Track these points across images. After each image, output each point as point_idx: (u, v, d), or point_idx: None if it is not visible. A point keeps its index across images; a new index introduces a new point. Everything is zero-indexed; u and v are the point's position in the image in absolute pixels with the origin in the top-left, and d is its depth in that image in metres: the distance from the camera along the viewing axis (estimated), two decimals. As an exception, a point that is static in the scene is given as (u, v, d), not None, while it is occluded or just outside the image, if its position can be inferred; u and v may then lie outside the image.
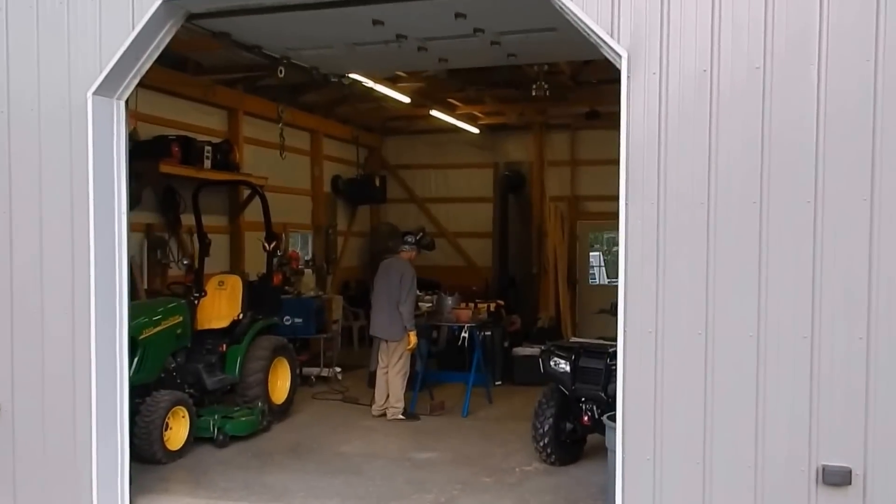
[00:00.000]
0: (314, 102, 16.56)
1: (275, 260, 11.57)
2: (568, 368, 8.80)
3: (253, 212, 14.75)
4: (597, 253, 19.48)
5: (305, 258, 16.92)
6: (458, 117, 16.94)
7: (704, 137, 6.16)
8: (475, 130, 18.04)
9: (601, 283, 19.19)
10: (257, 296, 11.20)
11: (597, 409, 8.73)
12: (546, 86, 13.71)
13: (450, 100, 16.24)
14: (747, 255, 5.99)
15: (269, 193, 15.00)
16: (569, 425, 9.07)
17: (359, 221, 19.12)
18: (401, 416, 11.15)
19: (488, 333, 13.07)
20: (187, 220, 12.98)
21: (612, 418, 7.28)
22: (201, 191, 11.45)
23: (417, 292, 13.62)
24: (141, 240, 12.49)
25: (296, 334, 13.34)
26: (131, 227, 12.76)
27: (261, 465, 9.00)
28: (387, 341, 11.27)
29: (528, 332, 15.51)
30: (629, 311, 6.32)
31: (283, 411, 10.92)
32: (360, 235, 19.25)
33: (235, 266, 14.26)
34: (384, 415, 11.24)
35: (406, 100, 14.58)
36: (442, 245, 19.22)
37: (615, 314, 9.76)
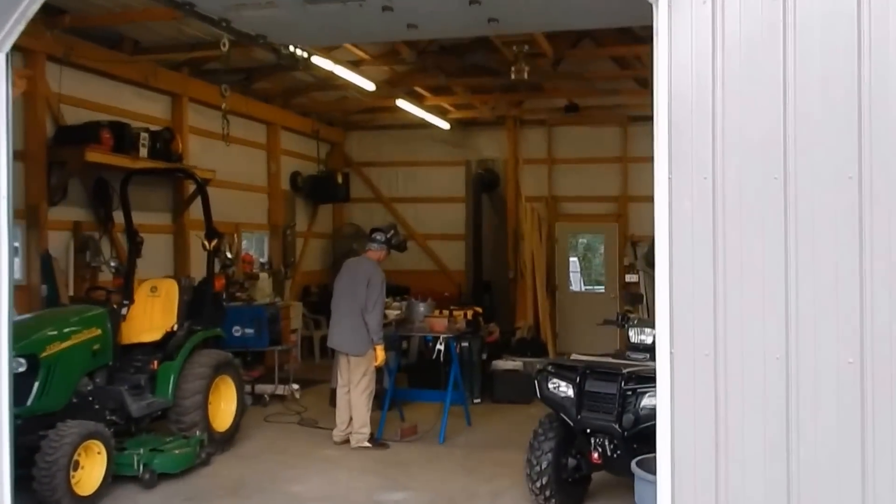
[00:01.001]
0: (270, 91, 14.69)
1: (217, 261, 9.62)
2: (571, 393, 6.98)
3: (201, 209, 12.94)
4: (574, 258, 17.73)
5: (261, 261, 15.01)
6: (428, 110, 15.13)
7: (777, 86, 4.41)
8: (445, 125, 16.25)
9: (580, 289, 17.44)
10: (197, 303, 9.30)
11: (609, 443, 6.91)
12: (527, 68, 12.01)
13: (418, 89, 14.43)
14: (845, 247, 4.25)
15: (220, 190, 13.19)
16: (571, 461, 7.25)
17: (320, 222, 17.19)
18: (367, 444, 9.30)
19: (465, 345, 11.24)
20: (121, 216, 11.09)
21: (644, 465, 5.51)
22: (132, 181, 9.51)
23: (385, 298, 11.85)
24: (67, 239, 10.53)
25: (247, 347, 11.46)
26: (56, 225, 11.22)
27: (193, 513, 7.13)
28: (348, 356, 9.42)
29: (508, 342, 13.71)
30: (677, 328, 4.52)
31: (227, 440, 9.01)
32: (322, 237, 17.32)
33: (180, 270, 12.33)
34: (347, 441, 9.39)
35: (371, 86, 12.73)
36: (411, 248, 17.35)
37: (624, 326, 8.07)
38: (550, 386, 7.15)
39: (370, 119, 17.17)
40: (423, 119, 15.63)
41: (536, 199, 16.74)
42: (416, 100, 14.62)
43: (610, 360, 7.32)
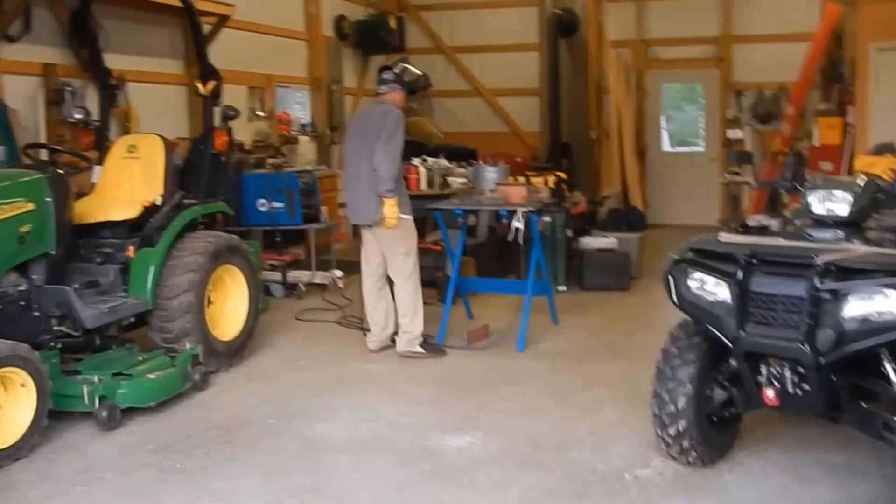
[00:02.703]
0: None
1: (216, 110, 6.81)
2: (728, 297, 4.15)
3: (229, 56, 10.20)
4: (667, 114, 14.58)
5: (301, 122, 12.23)
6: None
7: None
8: (517, -49, 13.03)
9: (675, 150, 14.36)
10: (193, 169, 6.63)
11: (793, 374, 4.12)
12: None
13: None
14: None
15: (245, 34, 10.44)
16: (720, 392, 4.52)
17: (371, 76, 14.22)
18: (418, 349, 6.71)
19: (548, 219, 8.38)
20: (116, 62, 8.39)
21: None
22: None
23: (442, 161, 9.09)
24: (34, 87, 7.87)
25: (276, 224, 8.85)
26: (17, 68, 7.58)
27: (156, 476, 4.59)
28: (374, 231, 6.72)
29: (595, 214, 10.86)
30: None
31: (234, 353, 6.45)
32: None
33: (195, 132, 9.65)
34: (388, 347, 6.82)
35: None
36: (477, 106, 14.48)
37: (796, 190, 5.12)
38: (692, 285, 4.34)
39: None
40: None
41: (623, 43, 13.57)
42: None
43: (782, 241, 4.43)
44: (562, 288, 8.95)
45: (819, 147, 9.79)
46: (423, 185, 8.77)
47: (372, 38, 13.13)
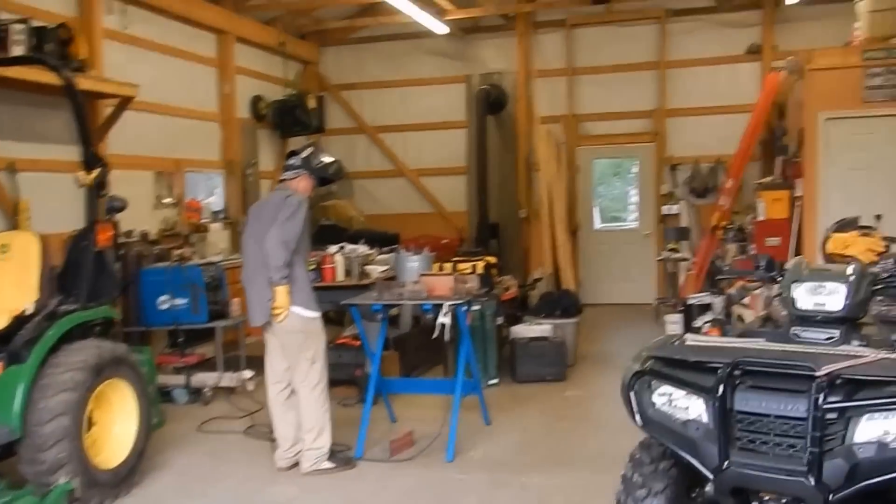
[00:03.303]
0: (217, -12, 11.12)
1: (102, 200, 6.04)
2: (705, 416, 3.44)
3: (135, 140, 9.57)
4: (598, 188, 14.24)
5: (213, 209, 11.51)
6: (421, 6, 11.51)
7: None
8: (443, 29, 12.66)
9: (608, 226, 13.95)
10: (73, 268, 5.87)
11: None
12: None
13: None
14: None
15: (154, 116, 9.80)
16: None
17: (291, 158, 13.64)
18: (326, 464, 5.96)
19: (478, 307, 7.75)
20: (6, 149, 7.69)
21: None
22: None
23: (361, 248, 8.49)
24: None
25: (179, 323, 8.06)
26: None
27: None
28: (275, 331, 5.99)
29: (526, 299, 10.31)
30: None
31: (119, 481, 5.61)
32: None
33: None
34: (296, 465, 6.05)
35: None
36: (401, 187, 13.96)
37: (775, 280, 4.28)
38: (659, 401, 3.63)
39: (349, 28, 13.64)
40: (413, 23, 12.15)
41: (554, 118, 13.24)
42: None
43: (768, 345, 3.74)
44: (493, 381, 8.31)
45: (765, 221, 9.40)
46: (341, 276, 8.10)
47: (290, 119, 12.57)
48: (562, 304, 9.17)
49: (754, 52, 12.74)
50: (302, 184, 6.09)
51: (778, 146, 11.53)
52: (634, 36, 13.15)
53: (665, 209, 12.91)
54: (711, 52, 12.86)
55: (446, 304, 6.25)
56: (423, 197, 13.92)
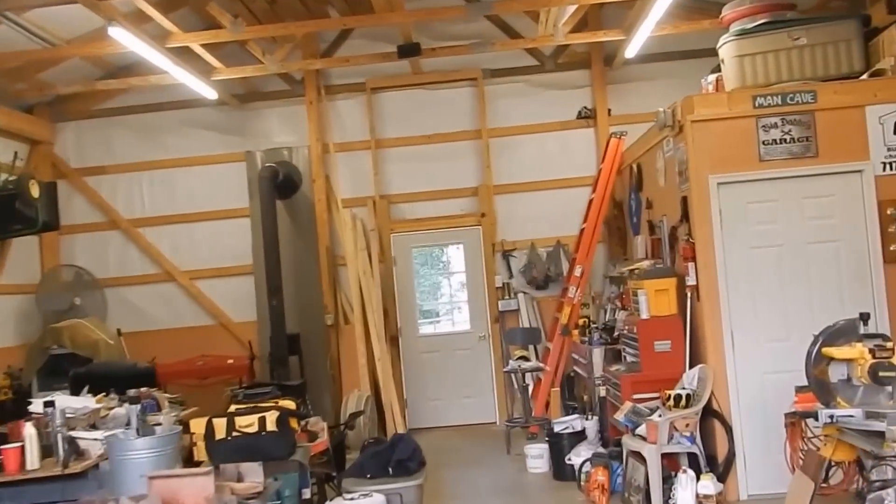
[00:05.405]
0: None
1: None
2: None
3: None
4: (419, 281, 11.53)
5: None
6: (182, 65, 8.61)
7: None
8: (212, 94, 9.80)
9: (436, 331, 11.26)
10: None
11: None
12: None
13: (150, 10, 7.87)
14: None
15: None
16: None
17: (15, 265, 10.09)
18: None
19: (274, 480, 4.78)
20: None
21: None
22: None
23: (85, 401, 5.45)
24: None
25: None
26: None
27: None
28: None
29: (343, 445, 7.43)
30: None
31: None
32: (19, 291, 10.16)
33: None
34: None
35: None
36: (170, 295, 10.84)
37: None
38: None
39: (91, 96, 10.56)
40: (175, 89, 9.48)
41: (360, 201, 10.62)
42: (158, 39, 8.10)
43: None
44: None
45: (649, 320, 7.03)
46: (33, 462, 4.81)
47: (6, 215, 9.16)
48: (396, 455, 6.32)
49: (586, 116, 10.72)
50: None
51: (633, 223, 9.45)
52: (449, 100, 10.84)
53: (502, 305, 10.45)
54: (539, 118, 10.74)
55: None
56: (200, 306, 10.77)
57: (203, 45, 8.83)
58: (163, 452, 4.01)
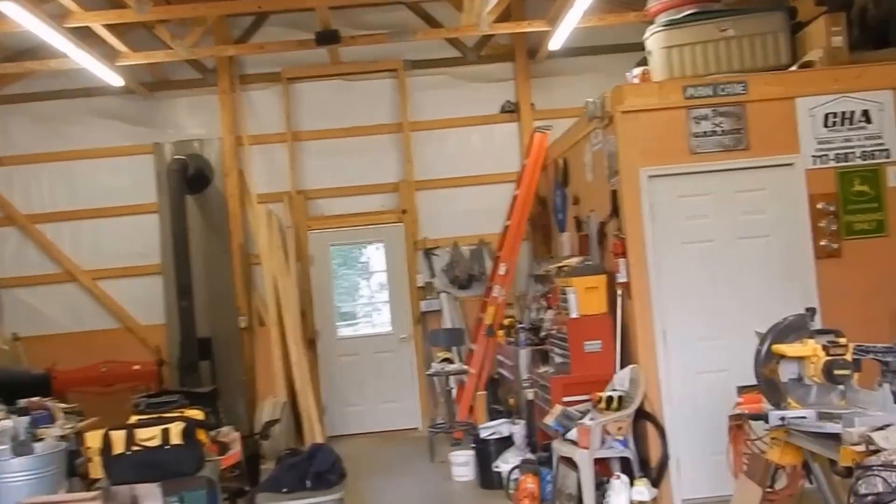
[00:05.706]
0: None
1: None
2: None
3: None
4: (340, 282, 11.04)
5: None
6: (84, 47, 7.97)
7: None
8: (117, 81, 9.17)
9: (356, 333, 10.81)
10: None
11: None
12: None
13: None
14: None
15: None
16: None
17: None
18: None
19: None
20: None
21: None
22: None
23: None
24: None
25: None
26: None
27: None
28: None
29: (257, 457, 6.96)
30: None
31: None
32: None
33: None
34: None
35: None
36: (72, 296, 10.18)
37: None
38: None
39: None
40: (77, 74, 8.83)
41: (276, 196, 10.13)
42: (57, 19, 7.46)
43: None
44: None
45: (578, 319, 6.74)
46: None
47: None
48: (314, 467, 5.87)
49: (510, 110, 10.43)
50: None
51: (559, 220, 9.21)
52: (369, 92, 10.43)
53: (424, 305, 10.09)
54: (462, 112, 10.42)
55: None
56: (104, 308, 10.12)
57: (107, 27, 8.23)
58: (44, 473, 3.51)
